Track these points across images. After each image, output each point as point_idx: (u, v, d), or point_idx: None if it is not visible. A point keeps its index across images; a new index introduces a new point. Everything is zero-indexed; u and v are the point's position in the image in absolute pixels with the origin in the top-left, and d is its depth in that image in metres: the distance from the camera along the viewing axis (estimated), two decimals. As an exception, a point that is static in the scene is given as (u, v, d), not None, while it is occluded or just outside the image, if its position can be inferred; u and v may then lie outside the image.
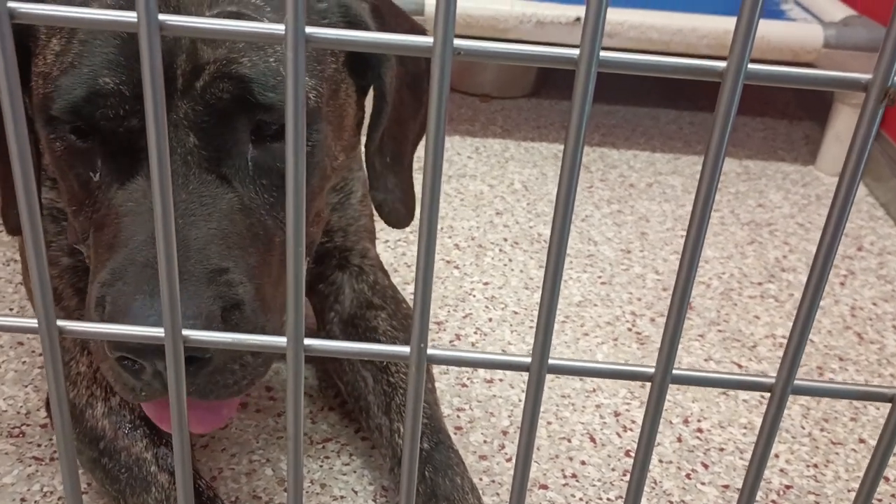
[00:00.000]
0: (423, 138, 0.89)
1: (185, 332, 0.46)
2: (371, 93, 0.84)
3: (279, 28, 0.38)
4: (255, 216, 0.72)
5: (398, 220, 0.90)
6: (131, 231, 0.68)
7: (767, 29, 1.66)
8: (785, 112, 2.11)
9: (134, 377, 0.67)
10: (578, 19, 1.63)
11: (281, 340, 0.46)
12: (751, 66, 0.38)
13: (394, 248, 1.42)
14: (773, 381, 0.47)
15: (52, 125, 0.71)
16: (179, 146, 0.69)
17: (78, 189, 0.73)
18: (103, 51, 0.68)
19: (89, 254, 0.74)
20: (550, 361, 0.46)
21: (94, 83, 0.68)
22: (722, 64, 0.39)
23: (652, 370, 0.46)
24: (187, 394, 0.69)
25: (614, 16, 1.64)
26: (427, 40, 0.38)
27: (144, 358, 0.65)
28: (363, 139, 0.88)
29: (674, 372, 0.46)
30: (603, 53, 0.38)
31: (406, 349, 0.46)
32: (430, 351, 0.46)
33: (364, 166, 0.94)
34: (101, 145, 0.70)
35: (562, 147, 1.73)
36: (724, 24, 1.64)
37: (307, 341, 0.46)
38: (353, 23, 0.79)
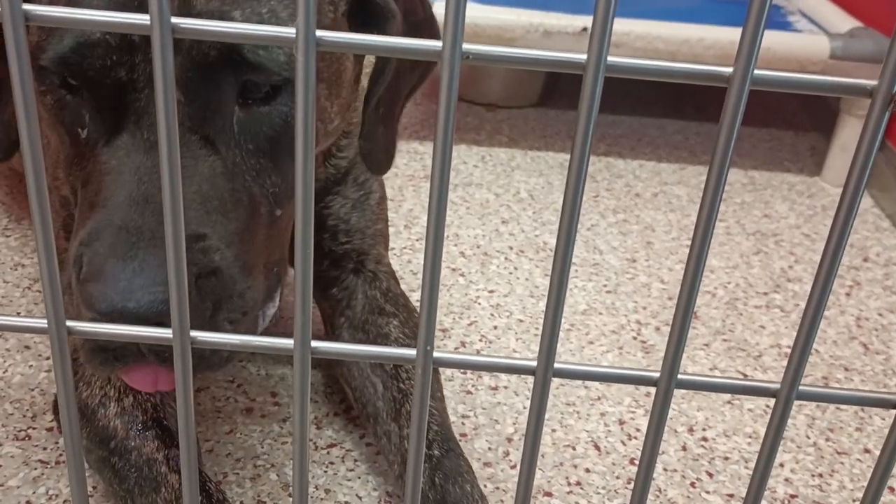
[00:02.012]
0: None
1: (193, 333, 0.47)
2: None
3: (290, 31, 0.39)
4: (239, 181, 0.71)
5: (380, 167, 0.91)
6: (111, 191, 0.67)
7: (774, 40, 1.67)
8: (791, 123, 2.11)
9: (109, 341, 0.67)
10: (585, 29, 1.63)
11: (288, 342, 0.46)
12: (757, 71, 0.39)
13: (399, 256, 1.42)
14: (777, 386, 0.47)
15: (42, 76, 0.69)
16: None
17: (68, 144, 0.72)
18: (92, 1, 0.67)
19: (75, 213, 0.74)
20: (556, 365, 0.47)
21: (80, 33, 0.66)
22: (728, 69, 0.39)
23: (657, 375, 0.46)
24: (161, 363, 0.68)
25: (621, 26, 1.64)
26: (436, 44, 0.39)
27: (116, 321, 0.63)
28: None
29: (679, 377, 0.46)
30: (610, 58, 0.39)
31: (412, 352, 0.46)
32: (436, 354, 0.46)
33: None
34: (88, 99, 0.69)
35: (567, 156, 1.74)
36: (731, 35, 1.65)
37: (314, 343, 0.46)
38: None
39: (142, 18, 0.39)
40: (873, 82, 0.39)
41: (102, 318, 0.64)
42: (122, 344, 0.68)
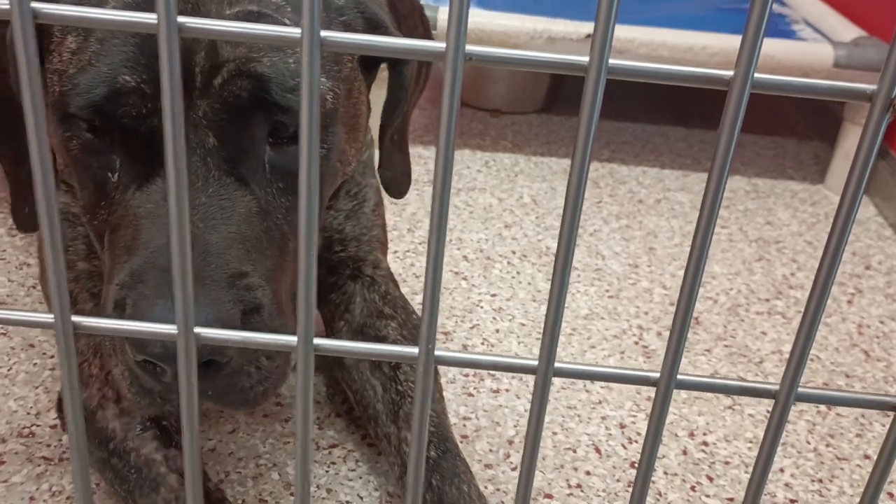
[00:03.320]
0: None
1: (198, 329, 0.47)
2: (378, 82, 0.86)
3: (295, 31, 0.39)
4: (272, 219, 0.72)
5: (400, 190, 0.97)
6: (151, 234, 0.67)
7: (777, 48, 1.67)
8: (794, 131, 2.11)
9: (153, 379, 0.67)
10: (589, 36, 1.64)
11: (291, 339, 0.46)
12: (758, 75, 0.39)
13: (402, 259, 1.42)
14: (776, 387, 0.47)
15: (67, 123, 0.70)
16: (199, 146, 0.68)
17: (94, 189, 0.72)
18: (122, 49, 0.67)
19: (103, 256, 0.74)
20: (557, 365, 0.47)
21: (114, 81, 0.67)
22: (730, 72, 0.39)
23: (657, 375, 0.47)
24: (205, 399, 0.69)
25: (625, 33, 1.65)
26: (440, 45, 0.39)
27: (168, 362, 0.64)
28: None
29: (679, 377, 0.47)
30: (612, 61, 0.39)
31: (414, 350, 0.46)
32: (437, 352, 0.46)
33: (376, 173, 0.94)
34: (119, 145, 0.69)
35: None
36: (735, 43, 1.65)
37: (317, 341, 0.46)
38: (370, 19, 0.78)
39: (149, 18, 0.39)
40: (873, 86, 0.39)
41: (155, 361, 0.64)
42: (167, 384, 0.67)
